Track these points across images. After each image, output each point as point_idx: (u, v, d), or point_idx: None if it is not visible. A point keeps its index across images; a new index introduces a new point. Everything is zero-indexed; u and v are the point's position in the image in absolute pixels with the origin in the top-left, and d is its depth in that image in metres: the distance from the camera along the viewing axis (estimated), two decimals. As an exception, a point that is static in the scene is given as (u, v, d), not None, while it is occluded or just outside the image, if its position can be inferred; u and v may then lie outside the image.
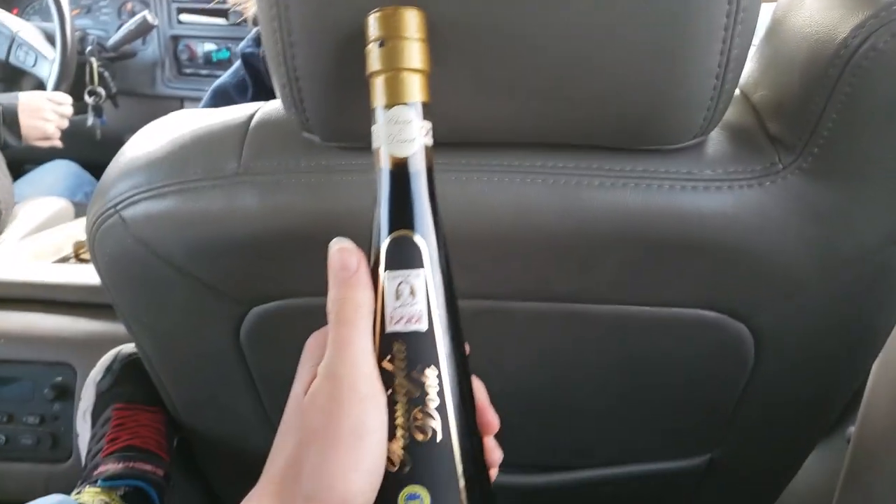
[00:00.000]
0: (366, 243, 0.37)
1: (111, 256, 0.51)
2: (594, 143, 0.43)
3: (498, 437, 0.63)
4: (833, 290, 0.47)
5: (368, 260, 0.36)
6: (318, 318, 0.52)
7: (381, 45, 0.34)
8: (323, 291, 0.51)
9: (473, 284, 0.48)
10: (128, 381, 0.70)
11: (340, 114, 0.42)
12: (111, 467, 0.65)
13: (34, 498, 0.62)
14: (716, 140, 0.44)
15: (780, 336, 0.51)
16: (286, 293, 0.50)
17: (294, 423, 0.34)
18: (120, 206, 0.48)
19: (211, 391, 0.63)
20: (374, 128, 0.36)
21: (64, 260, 0.93)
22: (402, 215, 0.35)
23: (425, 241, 0.35)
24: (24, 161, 1.14)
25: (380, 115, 0.35)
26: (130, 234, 0.48)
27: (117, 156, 0.52)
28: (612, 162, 0.43)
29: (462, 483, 0.34)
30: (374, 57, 0.35)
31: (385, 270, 0.35)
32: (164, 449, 0.69)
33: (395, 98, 0.34)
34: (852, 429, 0.60)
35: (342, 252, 0.35)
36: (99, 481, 0.64)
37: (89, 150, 1.53)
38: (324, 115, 0.42)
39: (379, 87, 0.35)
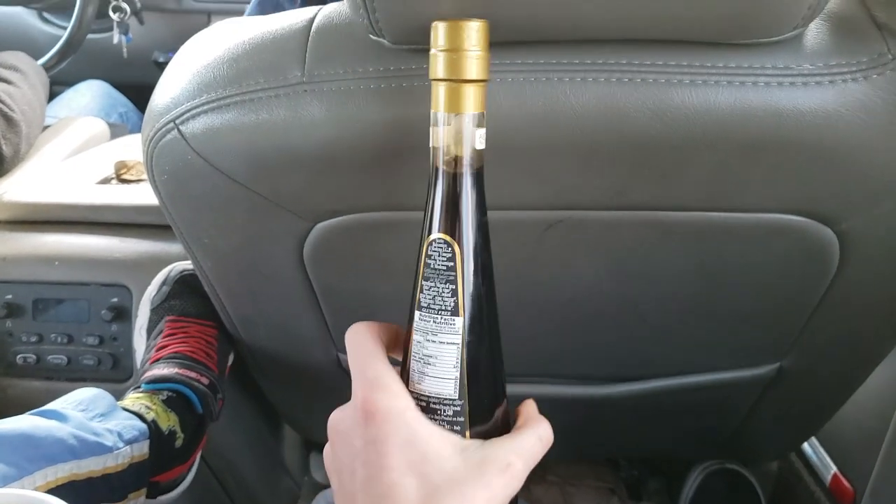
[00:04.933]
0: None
1: (170, 174, 0.49)
2: (684, 38, 0.40)
3: (560, 349, 0.62)
4: None
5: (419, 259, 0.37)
6: (385, 233, 0.51)
7: (445, 53, 0.35)
8: (392, 205, 0.50)
9: (547, 195, 0.46)
10: (181, 295, 0.70)
11: (412, 12, 0.39)
12: (156, 372, 0.65)
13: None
14: (816, 31, 0.41)
15: (866, 242, 0.48)
16: (353, 208, 0.49)
17: None
18: (179, 119, 0.46)
19: (271, 307, 0.62)
20: (433, 128, 0.36)
21: (105, 181, 0.92)
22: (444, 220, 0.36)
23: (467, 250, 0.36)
24: (53, 83, 1.12)
25: (439, 119, 0.36)
26: (190, 149, 0.46)
27: (169, 68, 0.50)
28: (703, 58, 0.40)
29: None
30: (438, 64, 0.35)
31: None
32: (214, 361, 0.69)
33: (455, 108, 0.35)
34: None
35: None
36: (142, 385, 0.65)
37: (117, 69, 1.50)
38: (394, 15, 0.39)
39: (441, 93, 0.35)
